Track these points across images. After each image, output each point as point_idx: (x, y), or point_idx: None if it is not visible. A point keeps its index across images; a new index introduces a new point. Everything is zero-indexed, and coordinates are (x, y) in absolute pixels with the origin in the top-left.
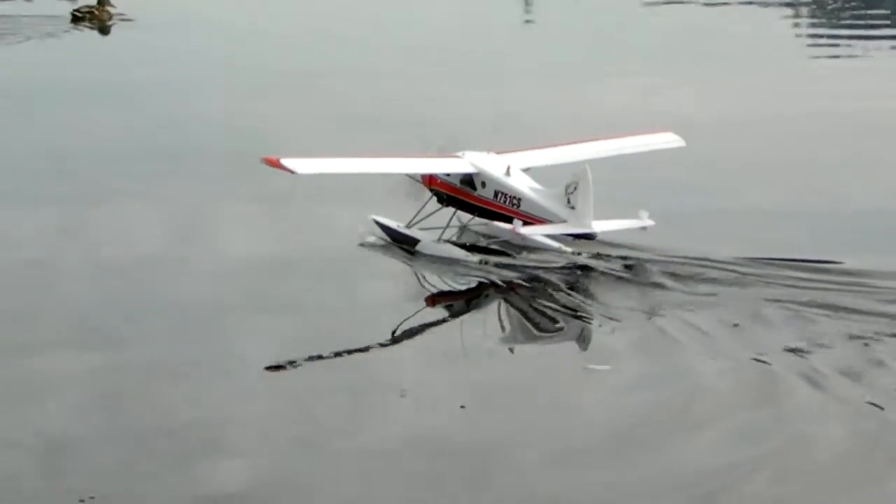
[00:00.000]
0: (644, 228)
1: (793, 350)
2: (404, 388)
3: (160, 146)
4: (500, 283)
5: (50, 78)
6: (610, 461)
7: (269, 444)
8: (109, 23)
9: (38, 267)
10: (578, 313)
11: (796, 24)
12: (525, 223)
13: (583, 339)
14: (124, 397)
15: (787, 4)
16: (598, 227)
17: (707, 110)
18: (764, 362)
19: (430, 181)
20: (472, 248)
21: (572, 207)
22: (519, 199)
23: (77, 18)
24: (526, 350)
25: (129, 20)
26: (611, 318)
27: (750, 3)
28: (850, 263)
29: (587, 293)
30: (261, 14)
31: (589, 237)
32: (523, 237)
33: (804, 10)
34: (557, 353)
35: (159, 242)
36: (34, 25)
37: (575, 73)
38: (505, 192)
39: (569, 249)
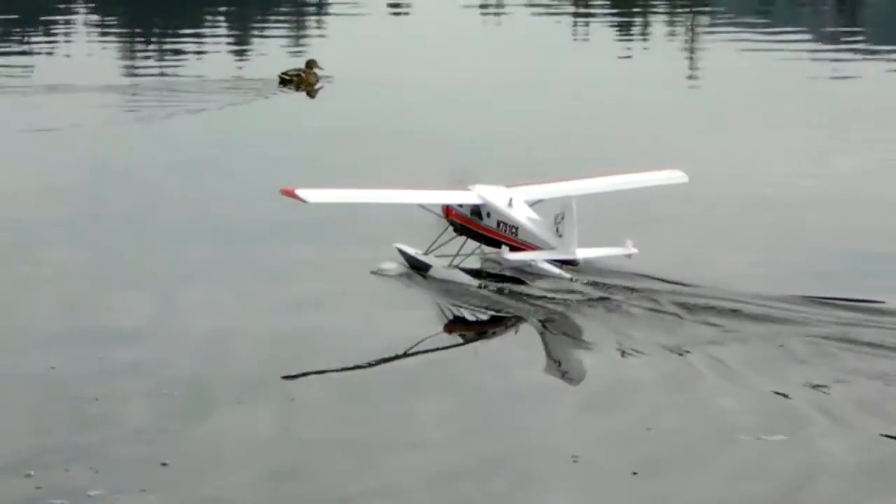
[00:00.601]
0: (629, 256)
1: (817, 385)
2: (575, 453)
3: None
4: (534, 319)
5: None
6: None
7: None
8: (317, 86)
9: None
10: (598, 344)
11: None
12: (513, 249)
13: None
14: None
15: None
16: (582, 254)
17: None
18: (785, 395)
19: (447, 212)
20: (478, 274)
21: (560, 236)
22: (517, 228)
23: (284, 81)
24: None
25: (333, 80)
26: (636, 350)
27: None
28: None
29: (611, 324)
30: (467, 73)
31: (573, 263)
32: (526, 263)
33: None
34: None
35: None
36: (254, 88)
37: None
38: (506, 221)
39: (568, 276)
